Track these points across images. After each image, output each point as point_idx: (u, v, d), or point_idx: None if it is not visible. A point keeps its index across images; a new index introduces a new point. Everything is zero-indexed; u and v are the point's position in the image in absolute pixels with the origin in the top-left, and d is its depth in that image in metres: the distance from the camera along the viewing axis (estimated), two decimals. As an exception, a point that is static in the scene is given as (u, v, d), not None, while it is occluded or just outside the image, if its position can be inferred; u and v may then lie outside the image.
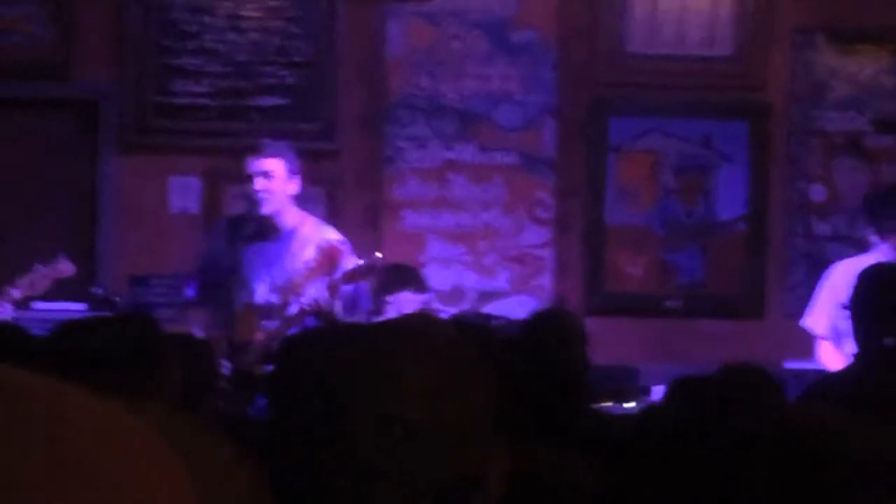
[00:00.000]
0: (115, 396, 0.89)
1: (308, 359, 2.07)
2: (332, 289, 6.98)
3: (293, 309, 7.00)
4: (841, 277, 6.87)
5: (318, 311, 6.95)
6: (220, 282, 7.04)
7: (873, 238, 7.13)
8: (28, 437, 0.71)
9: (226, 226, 7.25)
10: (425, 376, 1.89)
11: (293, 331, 6.77)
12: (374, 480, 1.84)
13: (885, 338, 4.74)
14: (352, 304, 7.08)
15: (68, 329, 3.86)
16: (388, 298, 7.10)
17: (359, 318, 7.01)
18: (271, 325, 6.87)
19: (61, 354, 3.68)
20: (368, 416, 1.86)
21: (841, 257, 7.96)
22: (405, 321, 3.57)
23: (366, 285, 7.17)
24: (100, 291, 7.70)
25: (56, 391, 0.75)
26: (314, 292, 6.90)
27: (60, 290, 7.29)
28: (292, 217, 6.95)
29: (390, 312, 7.00)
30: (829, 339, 7.22)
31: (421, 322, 3.27)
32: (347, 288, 7.02)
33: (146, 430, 0.77)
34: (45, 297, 7.30)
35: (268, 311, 6.89)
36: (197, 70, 8.38)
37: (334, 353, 1.97)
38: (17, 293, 6.85)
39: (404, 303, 7.05)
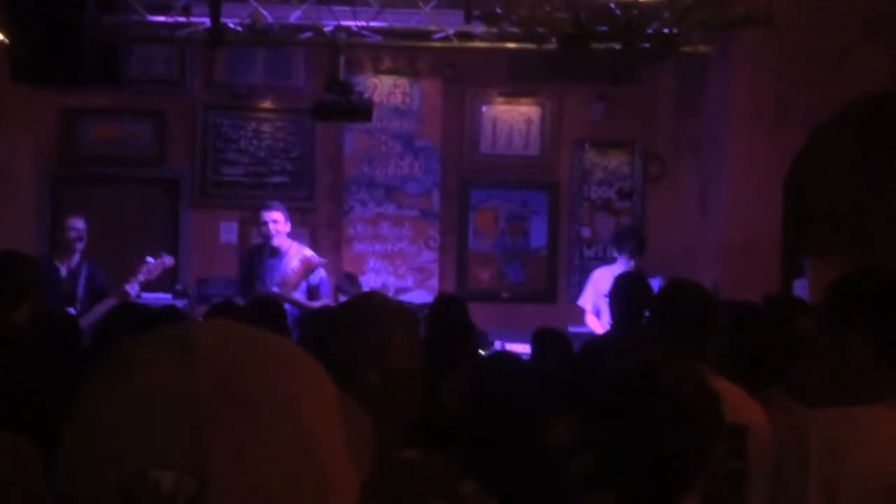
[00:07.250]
0: None
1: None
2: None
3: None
4: (599, 277, 8.57)
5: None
6: (249, 283, 8.28)
7: (617, 256, 8.69)
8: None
9: (252, 251, 8.56)
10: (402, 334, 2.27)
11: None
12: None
13: (632, 316, 5.42)
14: (316, 293, 8.19)
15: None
16: (340, 295, 8.51)
17: (324, 301, 7.98)
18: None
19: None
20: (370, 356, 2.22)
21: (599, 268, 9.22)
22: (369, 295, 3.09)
23: (325, 281, 8.23)
24: (180, 287, 9.55)
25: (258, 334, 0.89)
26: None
27: (160, 284, 8.54)
28: (286, 244, 8.28)
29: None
30: (592, 313, 8.65)
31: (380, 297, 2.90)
32: (313, 282, 8.08)
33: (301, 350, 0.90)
34: (149, 289, 8.16)
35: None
36: (235, 161, 10.25)
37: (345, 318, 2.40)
38: (141, 277, 7.44)
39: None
